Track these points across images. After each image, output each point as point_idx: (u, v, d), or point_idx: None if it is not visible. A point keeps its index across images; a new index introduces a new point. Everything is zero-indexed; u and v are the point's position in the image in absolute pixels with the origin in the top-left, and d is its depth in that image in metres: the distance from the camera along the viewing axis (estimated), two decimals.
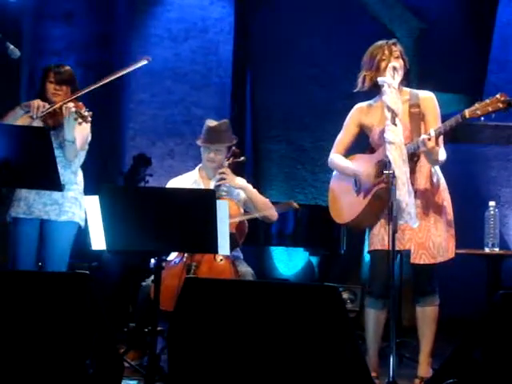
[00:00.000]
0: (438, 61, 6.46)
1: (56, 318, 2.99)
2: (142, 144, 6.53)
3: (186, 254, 4.01)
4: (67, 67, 4.28)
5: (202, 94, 6.65)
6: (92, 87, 4.16)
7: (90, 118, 3.97)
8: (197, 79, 6.68)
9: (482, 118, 3.52)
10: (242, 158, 4.37)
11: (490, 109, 3.47)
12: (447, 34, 6.62)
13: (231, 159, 4.32)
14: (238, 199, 4.29)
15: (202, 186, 4.35)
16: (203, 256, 3.98)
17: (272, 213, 4.33)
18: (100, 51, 6.65)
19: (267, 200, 4.38)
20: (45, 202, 4.15)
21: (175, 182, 4.43)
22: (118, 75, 4.23)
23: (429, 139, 3.53)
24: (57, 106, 4.09)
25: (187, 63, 6.69)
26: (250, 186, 4.35)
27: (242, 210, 4.29)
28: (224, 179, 4.23)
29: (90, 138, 4.27)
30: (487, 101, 3.49)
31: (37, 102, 4.12)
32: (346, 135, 3.95)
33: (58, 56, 6.52)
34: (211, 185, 4.34)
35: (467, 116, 3.51)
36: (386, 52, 3.75)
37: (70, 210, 4.18)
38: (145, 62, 4.24)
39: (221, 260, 4.05)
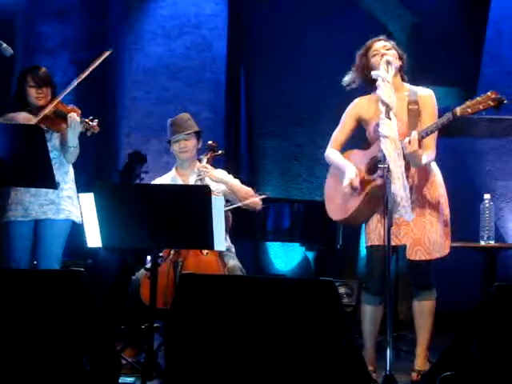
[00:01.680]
0: (432, 55, 6.47)
1: (52, 315, 2.98)
2: (136, 141, 6.52)
3: (172, 251, 4.01)
4: (43, 68, 4.28)
5: (196, 91, 6.64)
6: (70, 88, 4.15)
7: (98, 128, 4.07)
8: (191, 75, 6.67)
9: (474, 116, 3.52)
10: (220, 152, 4.37)
11: (481, 107, 3.46)
12: (441, 27, 6.63)
13: (210, 154, 4.32)
14: (217, 191, 4.28)
15: (180, 182, 4.35)
16: (189, 251, 3.98)
17: (255, 201, 4.33)
18: (93, 49, 6.63)
19: (249, 189, 4.37)
20: (41, 203, 4.17)
21: (155, 183, 4.44)
22: (87, 72, 4.19)
23: (409, 142, 3.53)
24: (48, 110, 4.10)
25: (181, 59, 6.69)
26: (230, 178, 4.34)
27: (224, 202, 4.29)
28: (204, 173, 4.23)
29: None
30: (478, 98, 3.47)
31: (24, 116, 4.14)
32: (343, 130, 3.94)
33: (51, 54, 6.52)
34: (190, 180, 4.33)
35: (458, 114, 3.50)
36: (369, 51, 3.77)
37: (67, 209, 4.21)
38: (107, 54, 4.21)
39: (207, 254, 4.04)
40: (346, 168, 3.77)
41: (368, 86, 3.84)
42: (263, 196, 4.44)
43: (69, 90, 4.16)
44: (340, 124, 3.95)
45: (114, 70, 6.61)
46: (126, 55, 6.61)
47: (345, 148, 3.97)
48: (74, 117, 4.05)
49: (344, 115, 3.95)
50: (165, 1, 6.73)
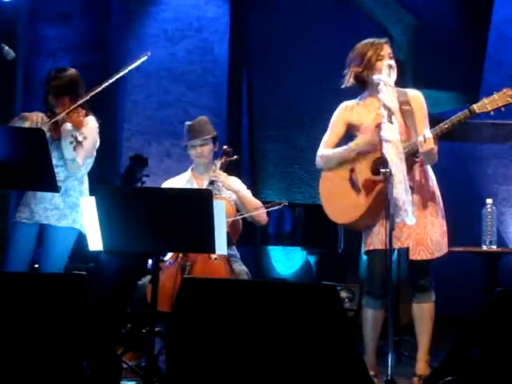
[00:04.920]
0: (433, 58, 6.46)
1: (53, 319, 2.98)
2: (138, 144, 6.52)
3: (180, 254, 4.00)
4: (67, 74, 4.17)
5: (197, 94, 6.65)
6: (94, 92, 4.10)
7: (83, 144, 3.93)
8: (193, 79, 6.68)
9: (492, 113, 3.51)
10: (235, 157, 4.37)
11: (500, 103, 3.47)
12: (442, 31, 6.63)
13: (224, 158, 4.32)
14: (231, 198, 4.28)
15: (195, 185, 4.35)
16: (197, 255, 3.98)
17: (262, 216, 4.34)
18: (95, 52, 6.65)
19: (259, 203, 4.37)
20: (45, 207, 4.13)
21: (169, 184, 4.44)
22: (118, 75, 4.18)
23: (425, 141, 3.53)
24: (56, 118, 4.04)
25: (183, 63, 6.69)
26: (243, 189, 4.34)
27: (236, 210, 4.29)
28: (216, 179, 4.22)
29: (98, 144, 4.22)
30: (495, 96, 3.48)
31: (35, 116, 4.07)
32: (333, 134, 3.90)
33: (53, 57, 6.52)
34: (204, 183, 4.33)
35: (477, 111, 3.51)
36: (379, 51, 3.74)
37: (71, 217, 4.14)
38: (145, 58, 4.17)
39: (215, 259, 4.03)
40: (353, 143, 3.75)
41: (361, 85, 3.83)
42: (278, 206, 4.45)
43: (89, 96, 4.10)
44: (329, 129, 3.92)
45: (115, 72, 6.60)
46: (128, 58, 6.61)
47: None
48: (65, 129, 3.97)
49: (332, 121, 3.92)
50: (167, 4, 6.74)
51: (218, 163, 4.30)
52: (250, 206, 4.31)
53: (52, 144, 4.05)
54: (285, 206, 4.48)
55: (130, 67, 4.20)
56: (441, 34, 6.63)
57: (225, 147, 4.38)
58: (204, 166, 4.39)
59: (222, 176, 4.25)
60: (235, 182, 4.35)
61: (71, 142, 3.92)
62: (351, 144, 3.79)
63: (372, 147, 3.69)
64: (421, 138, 3.56)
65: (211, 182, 4.24)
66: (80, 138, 3.91)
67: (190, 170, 4.47)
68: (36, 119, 4.05)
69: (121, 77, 4.30)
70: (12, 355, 2.96)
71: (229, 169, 4.37)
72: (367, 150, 3.72)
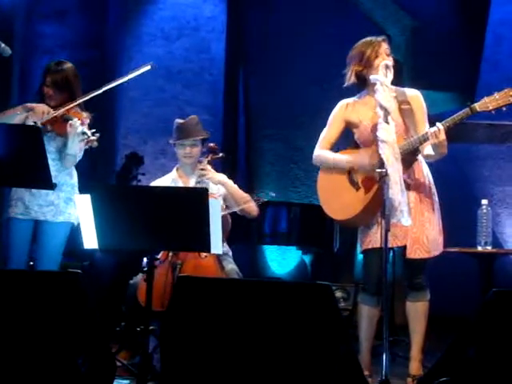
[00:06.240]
0: (430, 59, 6.47)
1: (48, 317, 2.97)
2: (134, 142, 6.52)
3: (170, 253, 4.00)
4: (65, 68, 4.16)
5: (194, 93, 6.64)
6: (92, 94, 4.09)
7: (96, 143, 3.94)
8: (189, 77, 6.67)
9: (493, 112, 3.51)
10: (221, 154, 4.37)
11: (501, 103, 3.48)
12: (440, 32, 6.63)
13: (210, 156, 4.31)
14: (218, 194, 4.28)
15: (180, 184, 4.34)
16: (187, 254, 3.97)
17: (252, 207, 4.33)
18: (92, 50, 6.64)
19: (247, 195, 4.37)
20: (40, 204, 4.11)
21: (155, 184, 4.43)
22: (119, 82, 4.18)
23: (435, 133, 3.53)
24: (58, 113, 4.02)
25: (180, 61, 6.69)
26: (229, 182, 4.34)
27: (224, 206, 4.28)
28: (204, 175, 4.22)
29: None
30: (496, 95, 3.49)
31: (42, 108, 4.06)
32: (331, 131, 3.92)
33: (49, 54, 6.50)
34: (190, 182, 4.33)
35: (477, 109, 3.51)
36: (377, 49, 3.75)
37: (66, 211, 4.15)
38: (148, 68, 4.16)
39: (205, 257, 4.02)
40: (353, 158, 3.77)
41: (361, 84, 3.83)
42: (260, 201, 4.45)
43: (90, 96, 4.09)
44: (328, 126, 3.94)
45: (112, 71, 6.59)
46: (125, 56, 6.60)
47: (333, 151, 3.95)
48: (75, 126, 3.93)
49: (331, 118, 3.93)
50: (164, 3, 6.73)
51: (205, 160, 4.30)
52: (240, 197, 4.30)
53: (45, 136, 4.03)
54: (272, 196, 4.47)
55: (132, 75, 4.18)
56: (438, 35, 6.63)
57: (210, 144, 4.36)
58: (190, 166, 4.38)
59: (210, 172, 4.25)
60: (222, 177, 4.34)
61: (82, 140, 3.91)
62: (346, 159, 3.80)
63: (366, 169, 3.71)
64: (432, 130, 3.56)
65: (198, 182, 4.23)
66: (93, 137, 3.91)
67: (175, 170, 4.46)
68: (41, 112, 4.03)
69: (116, 74, 4.29)
70: (7, 352, 2.96)
71: (214, 166, 4.35)
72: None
